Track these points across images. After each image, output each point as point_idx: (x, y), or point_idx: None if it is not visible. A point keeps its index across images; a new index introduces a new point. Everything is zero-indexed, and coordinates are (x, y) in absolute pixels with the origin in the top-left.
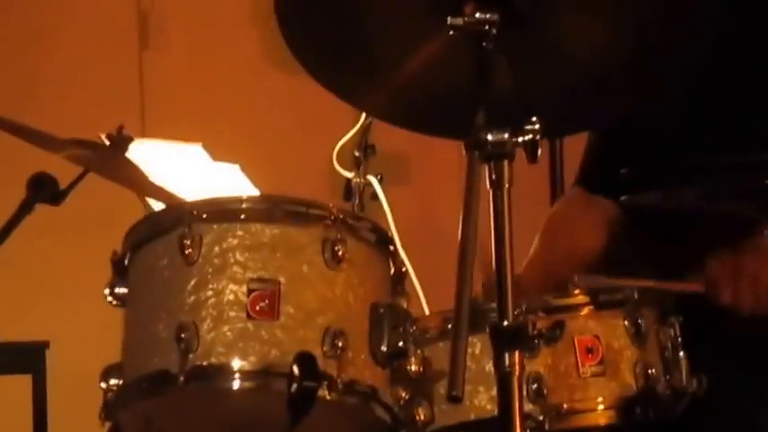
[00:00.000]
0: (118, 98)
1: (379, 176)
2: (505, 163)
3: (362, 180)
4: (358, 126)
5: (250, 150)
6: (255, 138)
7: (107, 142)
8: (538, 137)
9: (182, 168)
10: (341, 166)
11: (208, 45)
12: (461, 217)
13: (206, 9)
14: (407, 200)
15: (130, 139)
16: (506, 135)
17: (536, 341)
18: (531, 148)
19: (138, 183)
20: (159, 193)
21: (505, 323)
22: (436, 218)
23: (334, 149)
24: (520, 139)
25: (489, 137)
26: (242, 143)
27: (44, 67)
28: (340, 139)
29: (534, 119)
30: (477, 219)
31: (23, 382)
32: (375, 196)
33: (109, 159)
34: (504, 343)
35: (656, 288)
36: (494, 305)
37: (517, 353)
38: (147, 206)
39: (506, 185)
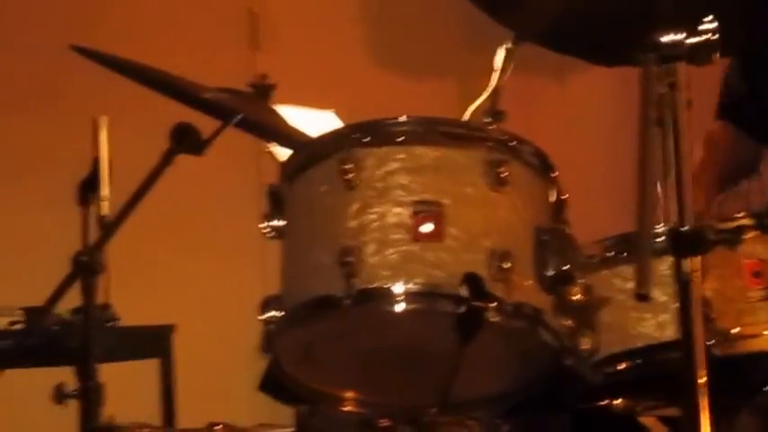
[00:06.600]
0: None
1: None
2: (681, 65)
3: None
4: (488, 91)
5: None
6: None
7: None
8: (714, 36)
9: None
10: None
11: (315, 44)
12: (639, 126)
13: (312, 10)
14: None
15: (273, 87)
16: (682, 36)
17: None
18: (706, 49)
19: (281, 129)
20: (303, 137)
21: (685, 227)
22: None
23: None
24: (695, 40)
25: (664, 38)
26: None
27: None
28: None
29: (710, 18)
30: (654, 125)
31: (151, 367)
32: None
33: (254, 105)
34: (683, 248)
35: None
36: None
37: (699, 258)
38: (275, 158)
39: (682, 90)
